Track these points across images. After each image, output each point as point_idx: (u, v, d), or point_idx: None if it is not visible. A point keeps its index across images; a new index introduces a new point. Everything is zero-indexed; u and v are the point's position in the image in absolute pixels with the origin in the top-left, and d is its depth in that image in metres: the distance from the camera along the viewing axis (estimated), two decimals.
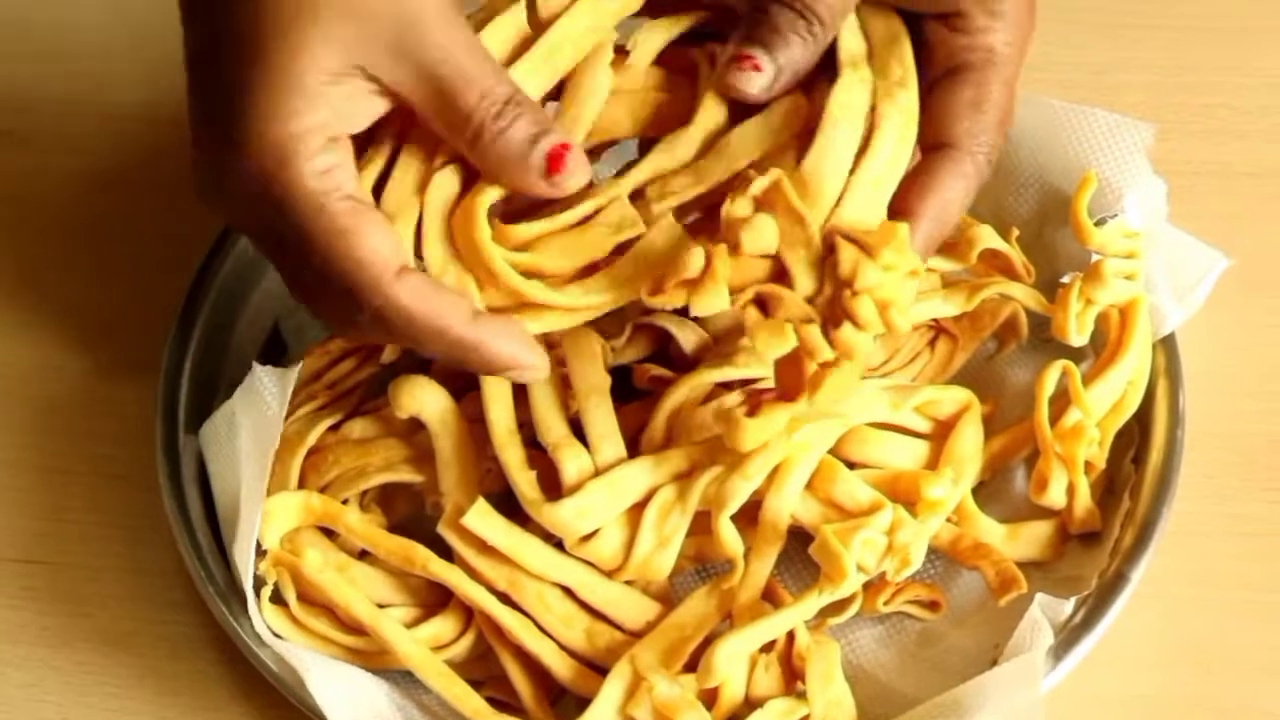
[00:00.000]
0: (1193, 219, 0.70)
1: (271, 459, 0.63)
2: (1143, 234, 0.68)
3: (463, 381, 0.67)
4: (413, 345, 0.58)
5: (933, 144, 0.61)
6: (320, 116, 0.55)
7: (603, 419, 0.63)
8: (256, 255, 0.74)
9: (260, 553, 0.64)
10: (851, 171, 0.59)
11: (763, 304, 0.59)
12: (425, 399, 0.65)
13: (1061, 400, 0.66)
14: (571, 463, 0.63)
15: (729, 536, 0.62)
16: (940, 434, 0.67)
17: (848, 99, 0.59)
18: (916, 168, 0.61)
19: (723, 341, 0.67)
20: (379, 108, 0.56)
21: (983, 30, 0.60)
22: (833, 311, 0.57)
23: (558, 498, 0.62)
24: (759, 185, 0.57)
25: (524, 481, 0.63)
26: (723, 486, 0.62)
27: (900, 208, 0.60)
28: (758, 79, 0.59)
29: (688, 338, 0.67)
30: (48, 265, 0.79)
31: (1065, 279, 0.69)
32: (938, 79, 0.61)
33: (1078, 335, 0.67)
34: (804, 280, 0.58)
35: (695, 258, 0.57)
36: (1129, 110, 0.70)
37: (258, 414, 0.64)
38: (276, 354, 0.73)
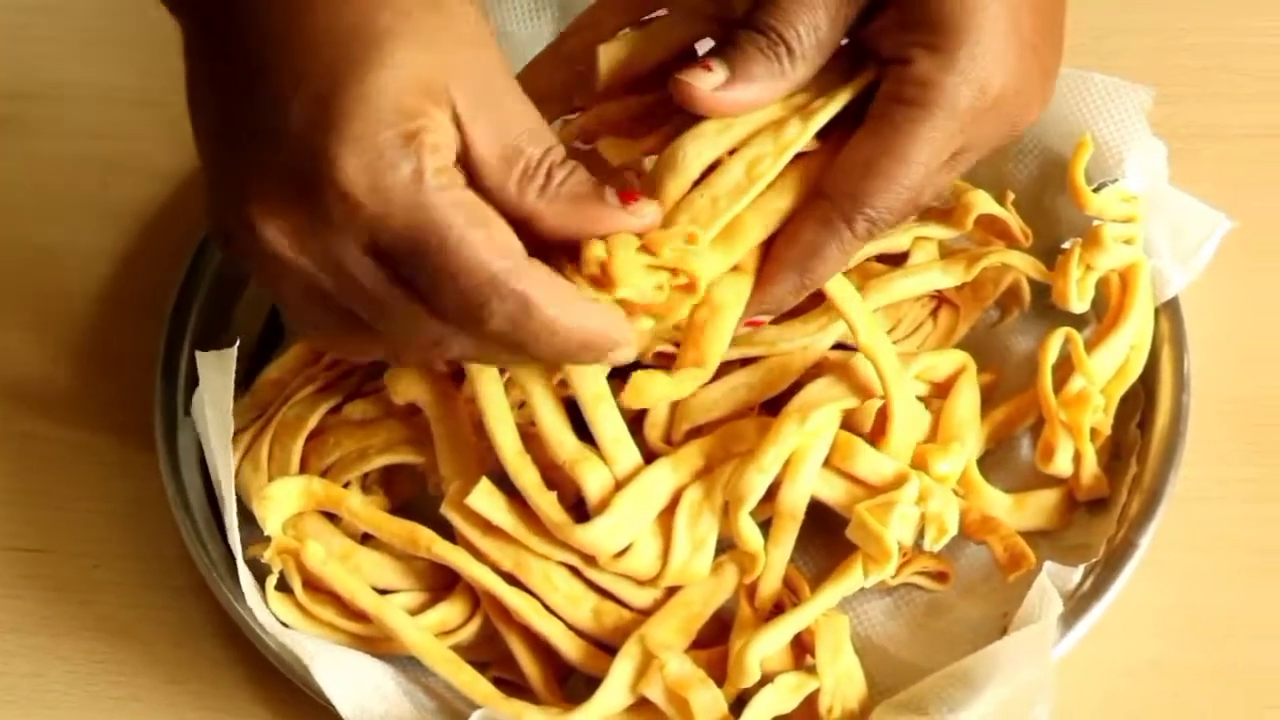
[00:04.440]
0: (1194, 182, 0.70)
1: (230, 445, 0.64)
2: (1141, 198, 0.68)
3: (459, 366, 0.66)
4: (540, 334, 0.53)
5: (816, 191, 0.58)
6: (433, 118, 0.52)
7: (613, 426, 0.63)
8: None
9: (264, 539, 0.63)
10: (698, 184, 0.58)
11: None
12: (421, 384, 0.65)
13: (1065, 367, 0.66)
14: (592, 478, 0.62)
15: (750, 534, 0.62)
16: (939, 397, 0.67)
17: (722, 124, 0.58)
18: (794, 210, 0.59)
19: None
20: (453, 151, 0.53)
21: (917, 82, 0.56)
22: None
23: (569, 498, 0.62)
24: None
25: (546, 504, 0.62)
26: (739, 481, 0.62)
27: (767, 249, 0.59)
28: (705, 76, 0.57)
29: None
30: (41, 252, 0.79)
31: (1066, 245, 0.68)
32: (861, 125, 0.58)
33: (1078, 301, 0.66)
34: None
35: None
36: (1128, 74, 0.70)
37: (212, 399, 0.64)
38: (275, 338, 0.73)
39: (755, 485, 0.62)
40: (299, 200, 0.52)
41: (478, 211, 0.52)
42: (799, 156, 0.58)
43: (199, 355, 0.65)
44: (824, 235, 0.58)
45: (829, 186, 0.58)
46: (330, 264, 0.53)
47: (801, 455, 0.62)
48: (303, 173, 0.52)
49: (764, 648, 0.61)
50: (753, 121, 0.58)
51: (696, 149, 0.58)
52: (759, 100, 0.58)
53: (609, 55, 0.62)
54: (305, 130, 0.51)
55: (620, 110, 0.63)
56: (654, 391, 0.60)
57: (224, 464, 0.64)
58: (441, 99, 0.52)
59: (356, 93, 0.51)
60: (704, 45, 0.61)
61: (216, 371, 0.64)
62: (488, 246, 0.52)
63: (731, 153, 0.58)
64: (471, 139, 0.53)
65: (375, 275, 0.53)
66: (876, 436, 0.64)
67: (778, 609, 0.63)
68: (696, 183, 0.58)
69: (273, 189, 0.53)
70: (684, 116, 0.59)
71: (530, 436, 0.63)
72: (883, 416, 0.63)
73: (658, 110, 0.61)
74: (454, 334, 0.54)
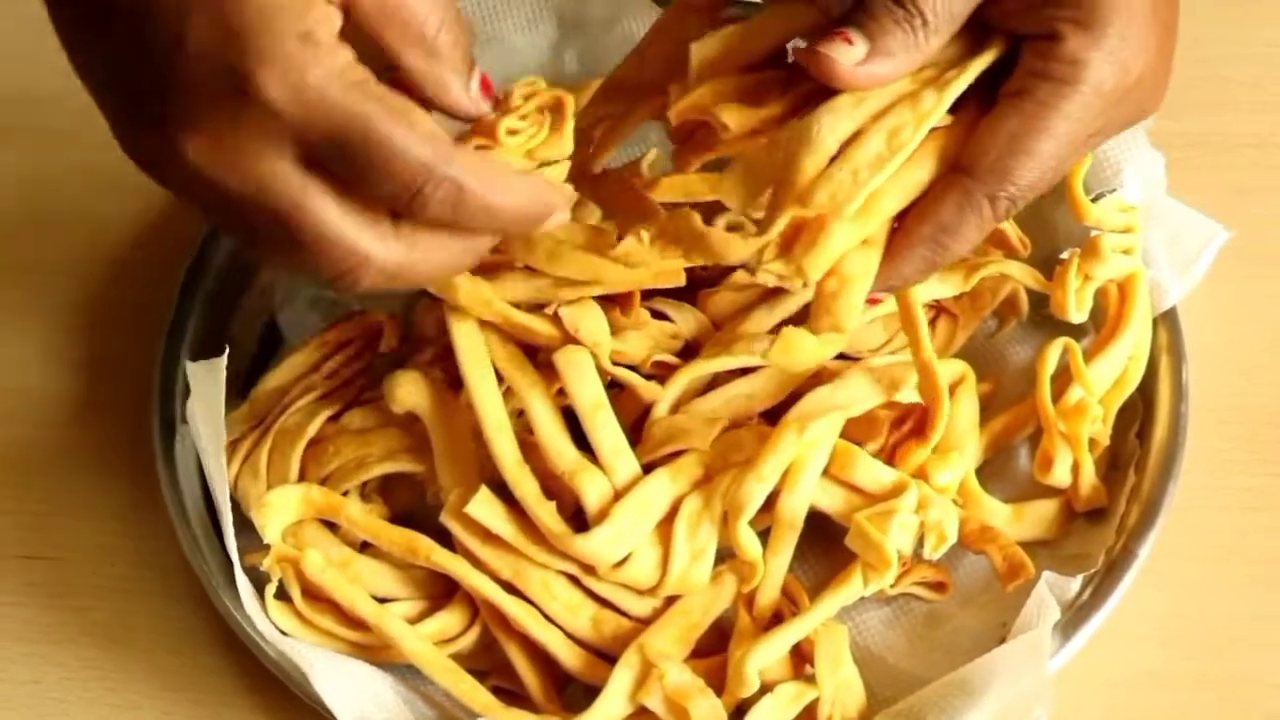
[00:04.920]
0: (1192, 192, 0.70)
1: (223, 452, 0.64)
2: (1139, 208, 0.68)
3: (457, 371, 0.66)
4: (477, 214, 0.54)
5: (955, 166, 0.57)
6: (321, 8, 0.51)
7: (611, 435, 0.63)
8: None
9: (264, 547, 0.63)
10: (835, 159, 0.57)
11: None
12: (419, 393, 0.65)
13: (1063, 377, 0.66)
14: (591, 488, 0.62)
15: (749, 543, 0.62)
16: None
17: (855, 98, 0.57)
18: (930, 185, 0.58)
19: (723, 328, 0.67)
20: (337, 19, 0.53)
21: (1066, 59, 0.56)
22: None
23: (568, 507, 0.62)
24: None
25: (545, 514, 0.62)
26: (738, 491, 0.62)
27: (900, 221, 0.58)
28: (847, 50, 0.56)
29: (686, 322, 0.67)
30: (37, 264, 0.78)
31: (1064, 255, 0.68)
32: (1000, 100, 0.57)
33: (1077, 312, 0.66)
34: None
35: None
36: None
37: (204, 409, 0.64)
38: (273, 347, 0.73)
39: (754, 494, 0.62)
40: (216, 117, 0.52)
41: (396, 102, 0.52)
42: (932, 130, 0.57)
43: (188, 365, 0.65)
44: (965, 211, 0.57)
45: (969, 161, 0.57)
46: (251, 176, 0.53)
47: (800, 464, 0.62)
48: (217, 91, 0.51)
49: (763, 657, 0.61)
50: (886, 95, 0.57)
51: (831, 123, 0.56)
52: (895, 74, 0.57)
53: (701, 53, 0.60)
54: (212, 51, 0.51)
55: (736, 86, 0.61)
56: (803, 349, 0.58)
57: (218, 472, 0.64)
58: None
59: (251, 5, 0.50)
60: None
61: (207, 380, 0.64)
62: (412, 137, 0.52)
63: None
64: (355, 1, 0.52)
65: (299, 184, 0.53)
66: (918, 434, 0.64)
67: (777, 618, 0.63)
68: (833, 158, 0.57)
69: (187, 108, 0.52)
70: (808, 86, 0.58)
71: (529, 446, 0.63)
72: (924, 416, 0.63)
73: (774, 86, 0.60)
74: (373, 254, 0.54)
